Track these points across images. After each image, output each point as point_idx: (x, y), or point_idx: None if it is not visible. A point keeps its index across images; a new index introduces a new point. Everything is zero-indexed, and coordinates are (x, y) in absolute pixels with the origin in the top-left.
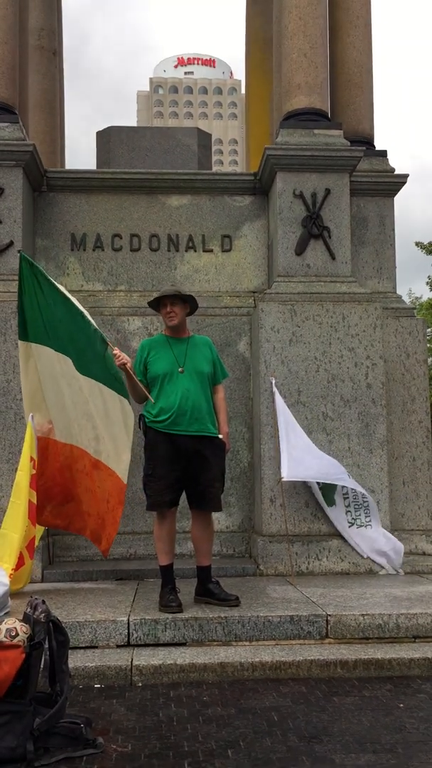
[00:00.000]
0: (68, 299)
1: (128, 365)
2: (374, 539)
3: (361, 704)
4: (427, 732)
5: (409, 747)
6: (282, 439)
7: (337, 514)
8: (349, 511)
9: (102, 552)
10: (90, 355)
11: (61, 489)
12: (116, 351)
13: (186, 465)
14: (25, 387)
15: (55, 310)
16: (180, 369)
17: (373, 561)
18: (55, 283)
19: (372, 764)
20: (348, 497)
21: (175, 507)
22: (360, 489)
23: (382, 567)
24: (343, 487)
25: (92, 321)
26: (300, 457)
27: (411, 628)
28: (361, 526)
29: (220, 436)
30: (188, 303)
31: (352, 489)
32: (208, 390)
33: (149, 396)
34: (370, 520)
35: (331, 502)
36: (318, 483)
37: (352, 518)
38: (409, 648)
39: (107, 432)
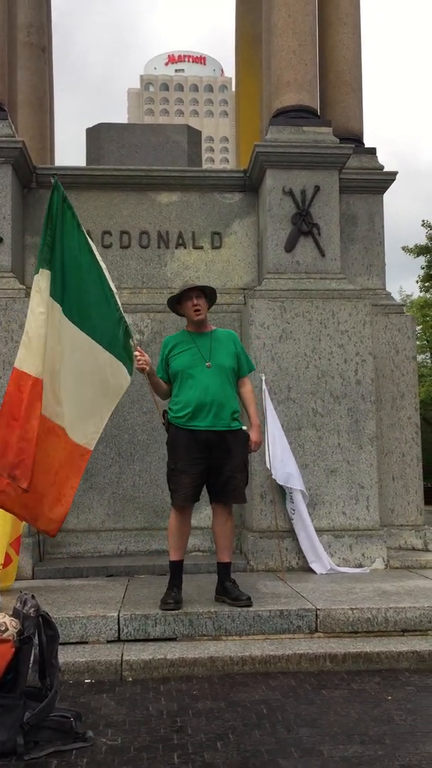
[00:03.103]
0: (97, 260)
1: (147, 369)
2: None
3: (349, 697)
4: (415, 723)
5: (396, 738)
6: (270, 437)
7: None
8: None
9: (48, 532)
10: (96, 316)
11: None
12: (137, 352)
13: (208, 457)
14: (34, 325)
15: (80, 257)
16: (207, 363)
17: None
18: (89, 239)
19: (360, 755)
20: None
21: (194, 503)
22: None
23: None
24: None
25: (121, 308)
26: (286, 459)
27: (399, 622)
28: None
29: (244, 428)
30: (207, 298)
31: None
32: (232, 384)
33: (159, 410)
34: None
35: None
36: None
37: (292, 510)
38: (397, 641)
39: (74, 391)
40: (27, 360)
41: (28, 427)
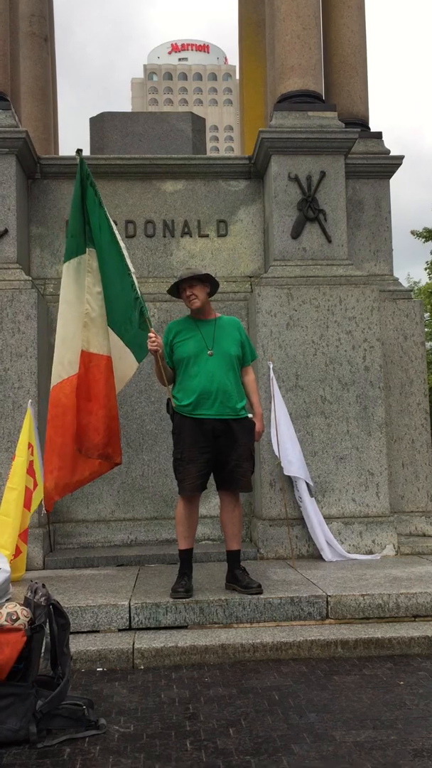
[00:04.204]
0: (116, 239)
1: (159, 352)
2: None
3: (361, 682)
4: (427, 708)
5: (409, 723)
6: (279, 426)
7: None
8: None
9: (46, 508)
10: (111, 297)
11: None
12: (152, 333)
13: (214, 446)
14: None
15: (100, 236)
16: (209, 351)
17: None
18: (110, 219)
19: (372, 740)
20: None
21: (201, 492)
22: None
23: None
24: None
25: (139, 290)
26: (289, 448)
27: (411, 608)
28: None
29: (250, 416)
30: (208, 283)
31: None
32: (236, 372)
33: (169, 392)
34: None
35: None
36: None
37: (299, 498)
38: (409, 627)
39: None
40: (92, 340)
41: (110, 405)
